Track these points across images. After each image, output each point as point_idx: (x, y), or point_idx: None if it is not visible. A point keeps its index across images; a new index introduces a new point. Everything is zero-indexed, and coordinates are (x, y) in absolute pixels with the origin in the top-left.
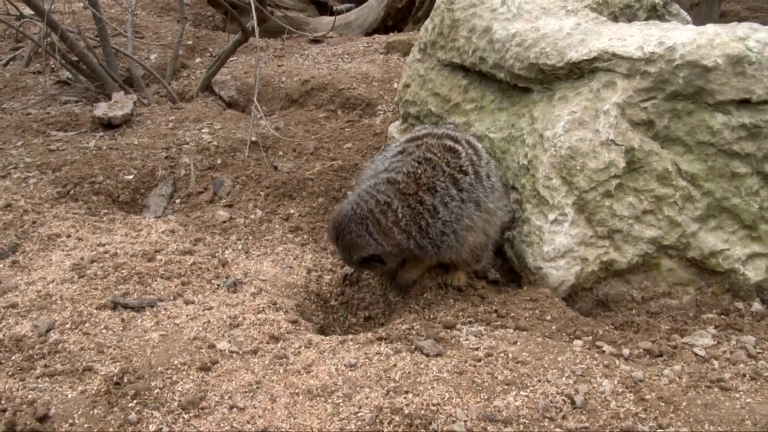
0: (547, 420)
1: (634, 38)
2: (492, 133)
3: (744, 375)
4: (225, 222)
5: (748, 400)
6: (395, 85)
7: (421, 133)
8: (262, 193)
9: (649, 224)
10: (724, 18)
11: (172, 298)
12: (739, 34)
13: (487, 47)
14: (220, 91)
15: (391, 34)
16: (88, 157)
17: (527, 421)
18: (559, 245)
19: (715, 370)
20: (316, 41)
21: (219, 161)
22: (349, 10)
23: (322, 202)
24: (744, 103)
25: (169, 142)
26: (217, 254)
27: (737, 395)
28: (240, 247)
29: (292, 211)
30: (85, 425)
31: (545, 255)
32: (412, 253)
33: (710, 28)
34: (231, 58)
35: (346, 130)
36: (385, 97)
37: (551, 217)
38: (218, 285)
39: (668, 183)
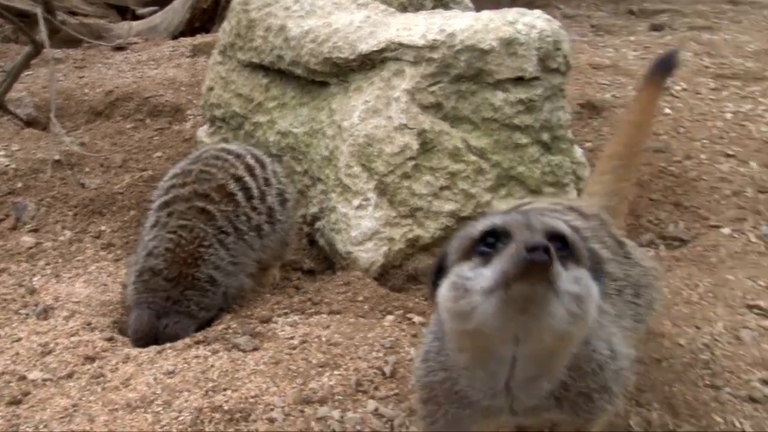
0: (360, 393)
1: (419, 27)
2: (295, 128)
3: None
4: (31, 248)
5: None
6: (203, 89)
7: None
8: (70, 213)
9: (447, 199)
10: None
11: None
12: (509, 18)
13: (284, 45)
14: (15, 110)
15: (197, 35)
16: None
17: (341, 398)
18: (365, 229)
19: None
20: (119, 48)
21: (20, 185)
22: (153, 13)
23: (134, 215)
24: (519, 80)
25: None
26: (23, 282)
27: None
28: (49, 272)
29: (103, 227)
30: None
31: (353, 239)
32: None
33: (485, 14)
34: (27, 72)
35: (155, 138)
36: (194, 102)
37: (355, 203)
38: (26, 314)
39: (460, 159)
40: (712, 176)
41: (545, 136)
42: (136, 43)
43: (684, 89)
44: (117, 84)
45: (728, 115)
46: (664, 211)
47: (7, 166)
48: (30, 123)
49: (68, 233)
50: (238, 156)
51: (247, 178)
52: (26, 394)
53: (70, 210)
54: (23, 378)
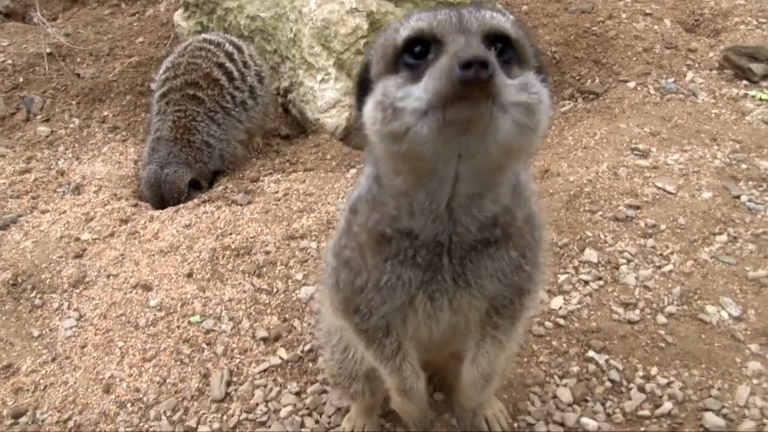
0: (330, 228)
1: None
2: (262, 13)
3: None
4: (48, 136)
5: None
6: None
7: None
8: (73, 102)
9: None
10: None
11: (28, 212)
12: None
13: None
14: None
15: None
16: None
17: (317, 233)
18: (329, 99)
19: None
20: None
21: (21, 79)
22: None
23: (131, 99)
24: None
25: None
26: (52, 166)
27: None
28: (70, 155)
29: (105, 113)
30: (3, 318)
31: (320, 108)
32: None
33: None
34: None
35: (135, 25)
36: None
37: (319, 77)
38: (63, 192)
39: None
40: (629, 35)
41: None
42: None
43: None
44: None
45: None
46: (585, 67)
47: (3, 62)
48: (8, 15)
49: (76, 120)
50: (218, 45)
51: (228, 64)
52: (84, 249)
53: (73, 99)
54: (78, 239)
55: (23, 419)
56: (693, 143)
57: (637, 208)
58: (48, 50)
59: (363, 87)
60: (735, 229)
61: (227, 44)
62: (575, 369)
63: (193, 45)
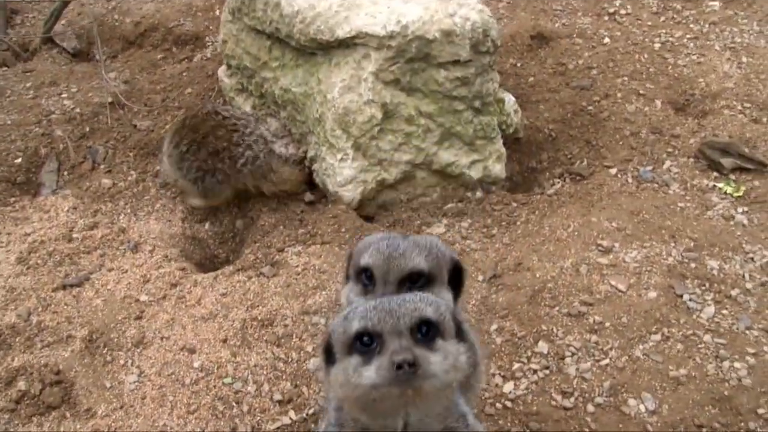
0: (337, 306)
1: (382, 16)
2: (294, 88)
3: (460, 253)
4: (110, 188)
5: None
6: (217, 13)
7: None
8: (131, 154)
9: (405, 151)
10: None
11: (97, 269)
12: (449, 11)
13: (280, 20)
14: (62, 43)
15: None
16: None
17: (326, 309)
18: (346, 175)
19: None
20: None
21: (87, 129)
22: None
23: None
24: (456, 62)
25: (38, 115)
26: (115, 221)
27: None
28: (129, 210)
29: (158, 167)
30: (83, 370)
31: (338, 183)
32: None
33: (432, 4)
34: None
35: (184, 74)
36: (210, 27)
37: (338, 156)
38: (124, 249)
39: (413, 122)
40: (620, 117)
41: (477, 103)
42: None
43: (628, 13)
44: (143, 13)
45: (657, 46)
46: (577, 146)
47: (73, 109)
48: (75, 55)
49: (134, 173)
50: None
51: None
52: (142, 311)
53: (131, 151)
54: (138, 300)
55: None
56: (653, 239)
57: (590, 305)
58: (110, 100)
59: (329, 354)
60: (669, 329)
61: None
62: None
63: None
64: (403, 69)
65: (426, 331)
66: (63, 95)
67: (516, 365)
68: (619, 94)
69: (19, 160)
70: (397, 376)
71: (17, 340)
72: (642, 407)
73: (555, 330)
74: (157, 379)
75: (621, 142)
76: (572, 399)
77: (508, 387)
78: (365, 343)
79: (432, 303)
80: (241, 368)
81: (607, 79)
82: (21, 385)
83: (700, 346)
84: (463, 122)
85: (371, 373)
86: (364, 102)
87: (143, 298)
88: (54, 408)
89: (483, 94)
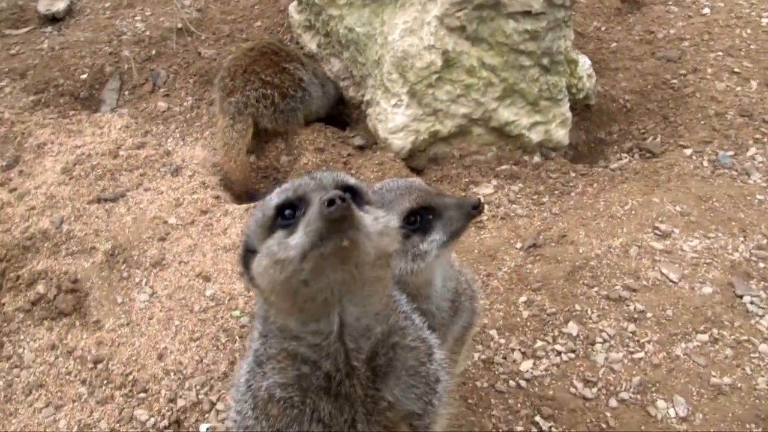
0: None
1: None
2: (358, 27)
3: (496, 216)
4: (165, 111)
5: (487, 235)
6: None
7: None
8: (191, 80)
9: (462, 104)
10: None
11: (135, 187)
12: None
13: None
14: None
15: None
16: (46, 60)
17: None
18: (399, 122)
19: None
20: None
21: (153, 52)
22: None
23: None
24: (527, 13)
25: (110, 34)
26: (162, 144)
27: (483, 232)
28: (178, 135)
29: (214, 96)
30: (99, 282)
31: (389, 129)
32: None
33: None
34: None
35: (256, 7)
36: None
37: (393, 102)
38: (165, 171)
39: (474, 74)
40: (706, 94)
41: (545, 60)
42: None
43: None
44: None
45: (764, 21)
46: (652, 121)
47: (143, 32)
48: None
49: (190, 99)
50: None
51: None
52: (168, 233)
53: (191, 78)
54: (166, 222)
55: (100, 366)
56: (719, 231)
57: (634, 290)
58: (179, 26)
59: (246, 259)
60: (720, 330)
61: None
62: (519, 429)
63: None
64: (470, 16)
65: (352, 196)
66: (137, 17)
67: (539, 343)
68: (709, 70)
69: (85, 75)
70: (330, 214)
71: (45, 245)
72: (672, 411)
73: (589, 312)
74: (167, 302)
75: (703, 122)
76: (594, 389)
77: (526, 365)
78: (287, 216)
79: (352, 178)
80: (251, 303)
81: (698, 53)
82: (40, 288)
83: (753, 355)
84: (528, 80)
85: (298, 236)
86: (425, 47)
87: (171, 220)
88: (65, 315)
89: (553, 51)
